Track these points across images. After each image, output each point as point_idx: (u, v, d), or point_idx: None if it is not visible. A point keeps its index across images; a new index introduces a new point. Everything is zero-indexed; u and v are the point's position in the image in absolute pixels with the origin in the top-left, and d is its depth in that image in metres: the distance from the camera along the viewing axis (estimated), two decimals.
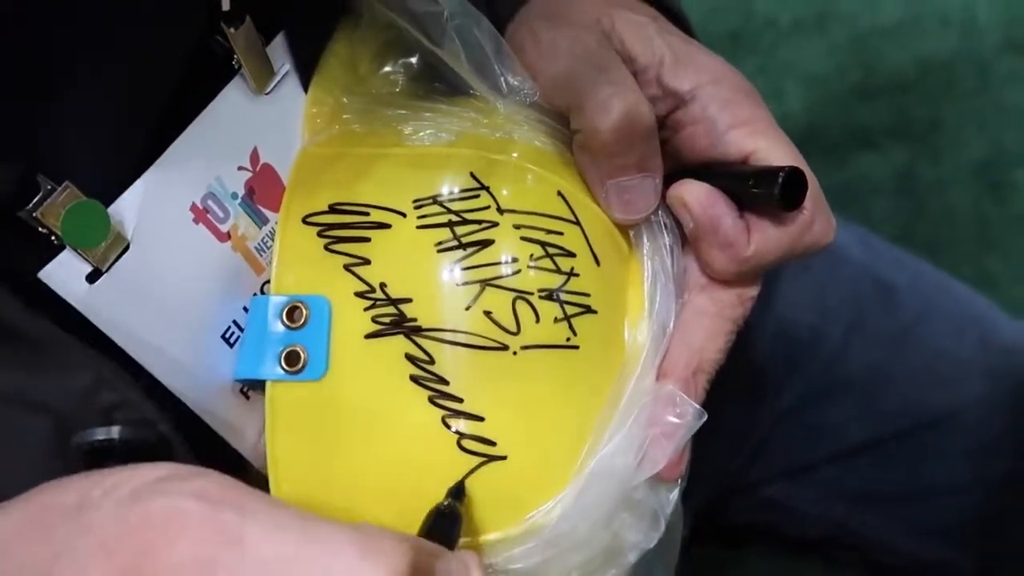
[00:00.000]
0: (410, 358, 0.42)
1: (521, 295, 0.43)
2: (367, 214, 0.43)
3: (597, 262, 0.44)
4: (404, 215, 0.43)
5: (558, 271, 0.43)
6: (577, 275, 0.44)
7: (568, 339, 0.43)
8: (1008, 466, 0.73)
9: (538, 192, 0.44)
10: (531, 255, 0.43)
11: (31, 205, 0.37)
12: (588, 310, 0.44)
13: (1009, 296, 1.02)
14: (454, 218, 0.43)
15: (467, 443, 0.42)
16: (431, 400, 0.42)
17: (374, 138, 0.45)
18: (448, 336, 0.42)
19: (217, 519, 0.33)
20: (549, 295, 0.43)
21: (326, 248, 0.43)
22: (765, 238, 0.44)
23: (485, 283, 0.43)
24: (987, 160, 1.10)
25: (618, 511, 0.43)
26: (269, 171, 0.45)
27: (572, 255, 0.44)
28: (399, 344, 0.42)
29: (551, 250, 0.43)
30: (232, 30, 0.42)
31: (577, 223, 0.44)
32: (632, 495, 0.44)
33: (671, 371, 0.45)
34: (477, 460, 0.42)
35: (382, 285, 0.42)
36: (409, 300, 0.42)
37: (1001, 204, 1.08)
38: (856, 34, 1.15)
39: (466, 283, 0.42)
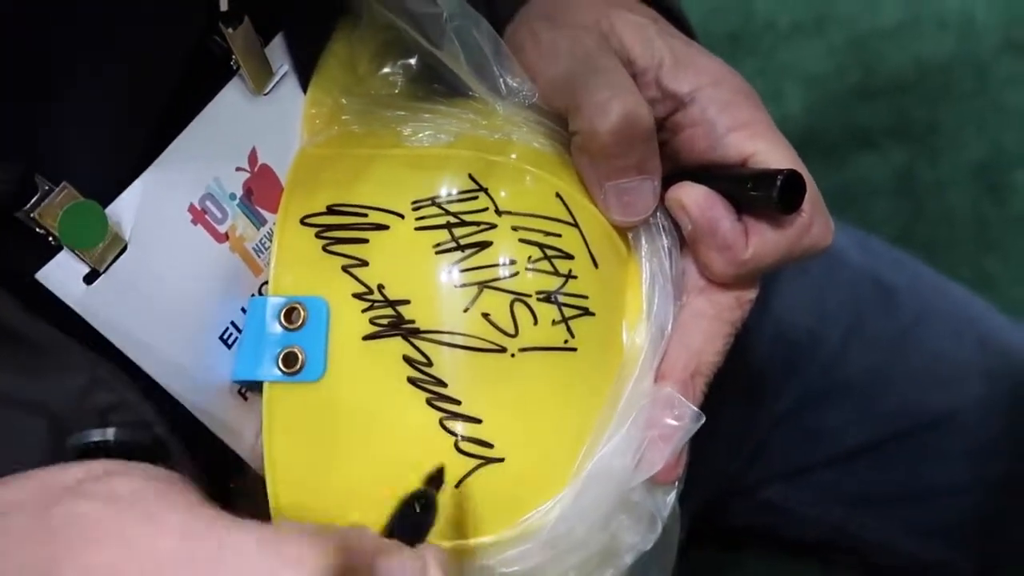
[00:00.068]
0: (408, 360, 0.42)
1: (519, 297, 0.43)
2: (365, 215, 0.43)
3: (595, 264, 0.44)
4: (402, 216, 0.43)
5: (556, 273, 0.43)
6: (575, 277, 0.44)
7: (566, 341, 0.43)
8: (1007, 466, 0.73)
9: (536, 194, 0.44)
10: (529, 257, 0.43)
11: (29, 205, 0.37)
12: (586, 312, 0.44)
13: (1008, 297, 1.02)
14: (452, 220, 0.43)
15: (465, 445, 0.42)
16: (429, 402, 0.42)
17: (373, 139, 0.45)
18: (446, 338, 0.42)
19: (122, 525, 0.33)
20: (547, 297, 0.43)
21: (324, 249, 0.43)
22: (763, 241, 0.44)
23: (483, 285, 0.43)
24: (986, 161, 1.10)
25: (616, 513, 0.43)
26: (267, 172, 0.45)
27: (570, 257, 0.44)
28: (397, 346, 0.42)
29: (549, 252, 0.43)
30: (230, 30, 0.42)
31: (575, 225, 0.44)
32: (630, 497, 0.44)
33: (669, 373, 0.45)
34: (475, 462, 0.42)
35: (380, 287, 0.42)
36: (407, 302, 0.42)
37: (1000, 205, 1.08)
38: (855, 35, 1.16)
39: (464, 285, 0.42)
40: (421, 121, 0.45)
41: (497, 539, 0.42)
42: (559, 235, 0.44)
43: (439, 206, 0.43)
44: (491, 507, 0.42)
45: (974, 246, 1.07)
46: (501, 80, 0.45)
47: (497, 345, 0.42)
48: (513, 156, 0.45)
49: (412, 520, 0.38)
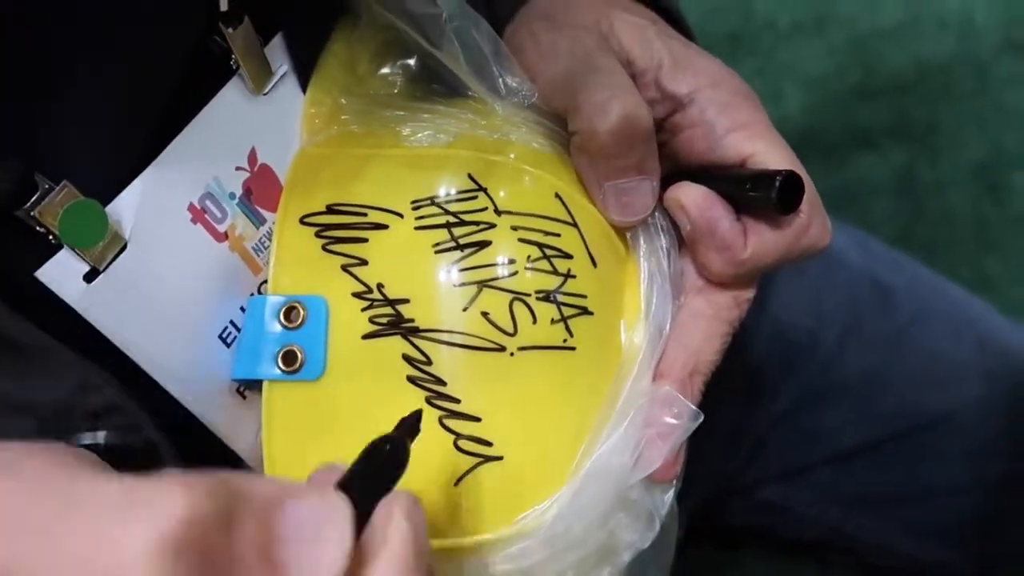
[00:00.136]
0: (407, 359, 0.42)
1: (518, 296, 0.43)
2: (365, 215, 0.43)
3: (594, 264, 0.44)
4: (402, 216, 0.43)
5: (555, 272, 0.44)
6: (574, 276, 0.44)
7: (565, 340, 0.43)
8: (1006, 467, 0.73)
9: (536, 193, 0.44)
10: (528, 256, 0.43)
11: (29, 204, 0.37)
12: (585, 311, 0.44)
13: (1008, 297, 1.02)
14: (452, 219, 0.43)
15: (464, 443, 0.42)
16: (428, 401, 0.42)
17: (372, 139, 0.45)
18: (445, 337, 0.42)
19: None
20: (546, 296, 0.43)
21: (324, 248, 0.43)
22: (762, 241, 0.44)
23: (482, 284, 0.43)
24: (986, 161, 1.10)
25: (614, 511, 0.44)
26: (267, 171, 0.45)
27: (569, 257, 0.44)
28: (396, 345, 0.42)
29: (548, 251, 0.44)
30: (230, 30, 0.42)
31: (574, 225, 0.44)
32: (628, 495, 0.44)
33: (667, 372, 0.45)
34: (473, 460, 0.42)
35: (379, 286, 0.42)
36: (406, 301, 0.42)
37: (1000, 205, 1.08)
38: (855, 36, 1.16)
39: (463, 284, 0.43)
40: (420, 121, 0.45)
41: (495, 537, 0.43)
42: (558, 235, 0.44)
43: (438, 206, 0.43)
44: (489, 505, 0.42)
45: (974, 246, 1.07)
46: (500, 80, 0.45)
47: (496, 344, 0.42)
48: (512, 156, 0.45)
49: (377, 466, 0.33)
